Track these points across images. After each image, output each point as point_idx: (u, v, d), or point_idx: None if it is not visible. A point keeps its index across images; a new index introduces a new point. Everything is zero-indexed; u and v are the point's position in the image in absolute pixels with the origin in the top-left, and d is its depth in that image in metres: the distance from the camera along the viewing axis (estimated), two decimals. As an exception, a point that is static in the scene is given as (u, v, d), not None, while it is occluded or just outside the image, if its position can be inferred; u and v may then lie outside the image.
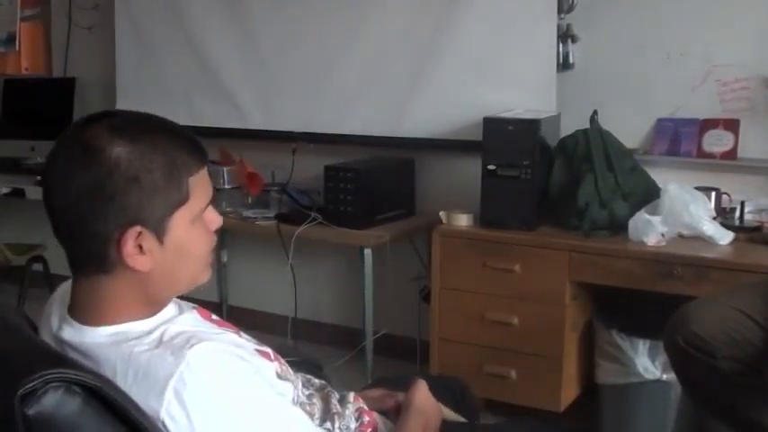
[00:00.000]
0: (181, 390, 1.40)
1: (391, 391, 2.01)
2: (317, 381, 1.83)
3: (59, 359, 1.41)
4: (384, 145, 4.29)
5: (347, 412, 1.81)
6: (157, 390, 1.40)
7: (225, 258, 4.98)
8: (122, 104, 4.77)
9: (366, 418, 1.84)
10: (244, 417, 1.45)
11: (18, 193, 4.58)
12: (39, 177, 4.56)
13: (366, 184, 3.95)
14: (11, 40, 5.42)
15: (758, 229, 3.45)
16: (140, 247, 1.46)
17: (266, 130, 4.58)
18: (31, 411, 1.29)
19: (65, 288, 1.63)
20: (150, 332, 1.50)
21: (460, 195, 3.94)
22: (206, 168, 1.55)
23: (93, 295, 1.51)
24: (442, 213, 3.78)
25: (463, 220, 3.72)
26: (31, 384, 1.29)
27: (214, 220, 1.59)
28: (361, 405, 1.87)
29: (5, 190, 4.62)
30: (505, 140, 3.58)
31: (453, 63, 4.07)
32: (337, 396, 1.84)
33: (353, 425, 1.80)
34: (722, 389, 2.67)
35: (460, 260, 3.66)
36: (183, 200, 1.49)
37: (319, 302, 4.66)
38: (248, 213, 4.22)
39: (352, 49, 4.34)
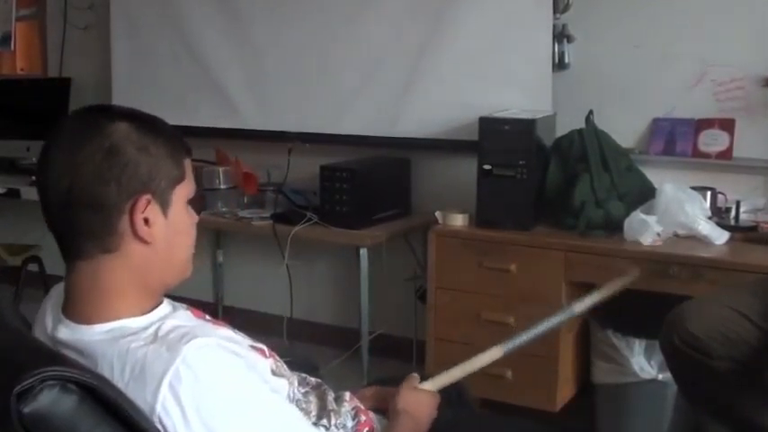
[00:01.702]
0: (176, 384, 1.40)
1: (387, 390, 2.02)
2: (312, 379, 1.84)
3: (55, 357, 1.41)
4: (380, 145, 4.29)
5: (343, 410, 1.81)
6: (153, 385, 1.41)
7: (221, 258, 4.97)
8: (118, 104, 4.75)
9: (363, 417, 1.84)
10: (238, 412, 1.46)
11: (13, 194, 4.57)
12: (33, 177, 4.56)
13: (362, 184, 3.95)
14: (6, 40, 5.43)
15: (753, 228, 3.45)
16: (146, 220, 1.49)
17: (262, 131, 4.58)
18: (26, 409, 1.30)
19: (59, 290, 1.63)
20: (146, 328, 1.50)
21: (456, 195, 3.94)
22: (190, 161, 1.60)
23: (91, 284, 1.51)
24: (437, 213, 3.77)
25: (459, 220, 3.72)
26: (27, 382, 1.29)
27: (195, 215, 1.63)
28: (358, 404, 1.88)
29: (1, 190, 4.61)
30: (501, 140, 3.58)
31: (449, 63, 4.07)
32: (333, 395, 1.84)
33: (350, 423, 1.80)
34: (718, 388, 2.67)
35: (456, 260, 3.65)
36: (181, 177, 1.55)
37: (315, 302, 4.66)
38: (244, 213, 4.22)
39: (348, 48, 4.34)
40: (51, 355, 1.43)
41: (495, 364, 3.55)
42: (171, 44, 4.81)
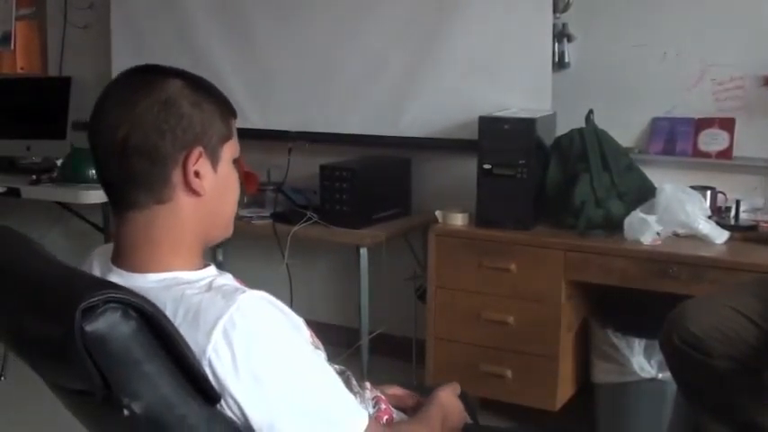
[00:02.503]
0: (230, 330, 1.44)
1: (409, 391, 2.08)
2: (336, 366, 1.85)
3: (118, 286, 1.45)
4: (380, 144, 4.29)
5: (366, 395, 1.86)
6: (206, 328, 1.44)
7: (220, 257, 4.97)
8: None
9: (383, 406, 1.87)
10: (285, 364, 1.49)
11: (14, 193, 4.56)
12: (34, 176, 4.56)
13: (362, 184, 3.95)
14: (6, 39, 5.42)
15: (753, 228, 3.45)
16: (197, 173, 1.54)
17: (262, 130, 4.57)
18: (89, 327, 1.34)
19: (102, 248, 1.69)
20: (199, 280, 1.55)
21: (456, 194, 3.94)
22: (235, 121, 1.67)
23: (144, 234, 1.55)
24: (437, 213, 3.78)
25: (459, 220, 3.72)
26: (94, 299, 1.35)
27: (239, 176, 1.69)
28: (379, 394, 1.91)
29: (1, 189, 4.61)
30: (501, 140, 3.58)
31: (449, 62, 4.07)
32: (355, 381, 1.87)
33: (371, 410, 1.83)
34: (718, 388, 2.68)
35: (456, 259, 3.66)
36: (229, 135, 1.63)
37: (315, 302, 4.66)
38: (244, 213, 4.21)
39: (349, 48, 4.34)
40: (114, 284, 1.47)
41: (495, 363, 3.58)
42: (171, 43, 4.81)
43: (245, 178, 4.27)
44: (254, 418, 1.45)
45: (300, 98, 4.50)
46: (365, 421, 1.57)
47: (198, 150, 1.53)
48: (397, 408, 1.96)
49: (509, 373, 3.59)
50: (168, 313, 1.46)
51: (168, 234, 1.56)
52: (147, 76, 1.56)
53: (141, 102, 1.50)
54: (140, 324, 1.39)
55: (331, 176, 3.96)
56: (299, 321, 1.67)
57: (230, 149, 1.63)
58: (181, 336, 1.43)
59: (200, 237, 1.61)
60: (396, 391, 2.06)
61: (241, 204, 4.28)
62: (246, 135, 5.02)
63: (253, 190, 4.30)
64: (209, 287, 1.53)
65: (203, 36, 4.72)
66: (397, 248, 4.19)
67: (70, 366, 1.37)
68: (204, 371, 1.44)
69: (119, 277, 1.55)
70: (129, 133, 1.49)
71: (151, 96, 1.51)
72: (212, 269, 1.63)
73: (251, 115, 4.59)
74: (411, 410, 1.99)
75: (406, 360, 4.23)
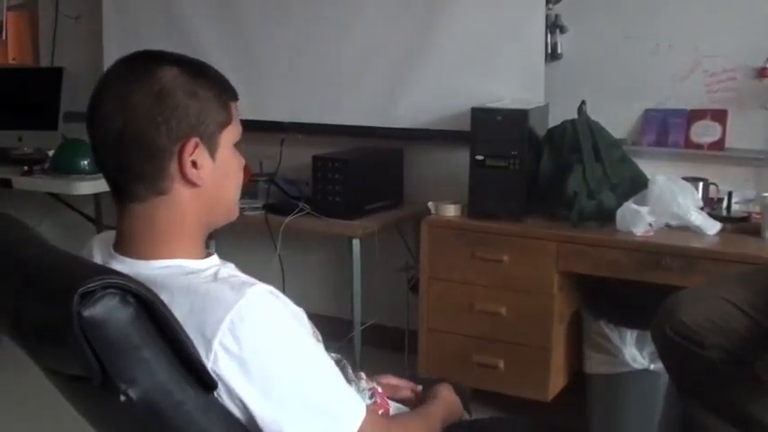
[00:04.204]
0: (237, 323, 1.44)
1: (404, 380, 2.08)
2: (333, 354, 1.85)
3: (117, 272, 1.46)
4: (372, 135, 4.29)
5: (362, 384, 1.87)
6: (214, 320, 1.44)
7: (212, 249, 4.95)
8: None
9: (378, 399, 1.87)
10: (292, 359, 1.50)
11: (5, 184, 4.55)
12: (26, 167, 4.55)
13: (354, 175, 3.95)
14: (-3, 29, 5.40)
15: (745, 219, 3.46)
16: (194, 163, 1.53)
17: (254, 120, 4.53)
18: (86, 312, 1.34)
19: (102, 236, 1.69)
20: (204, 270, 1.56)
21: (449, 185, 3.95)
22: (237, 103, 1.67)
23: (145, 225, 1.55)
24: (430, 204, 3.78)
25: (451, 211, 3.72)
26: (92, 284, 1.35)
27: (242, 158, 1.68)
28: (375, 386, 1.92)
29: (-8, 180, 4.59)
30: (494, 131, 3.58)
31: (442, 53, 4.07)
32: (351, 371, 1.88)
33: (368, 402, 1.82)
34: (709, 378, 2.68)
35: (449, 250, 3.66)
36: (228, 120, 1.61)
37: (307, 293, 4.65)
38: (236, 204, 4.21)
39: (341, 39, 4.34)
40: (112, 270, 1.47)
41: (488, 354, 3.59)
42: (163, 34, 4.79)
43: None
44: (258, 411, 1.46)
45: (293, 89, 4.49)
46: (363, 413, 1.57)
47: (194, 141, 1.52)
48: (393, 399, 1.96)
49: (501, 364, 3.59)
50: (176, 301, 1.46)
51: (170, 224, 1.56)
52: (143, 65, 1.54)
53: (135, 93, 1.49)
54: (138, 310, 1.40)
55: (323, 167, 3.95)
56: (302, 315, 1.68)
57: (230, 134, 1.62)
58: (179, 323, 1.43)
59: (202, 225, 1.61)
60: (390, 380, 2.07)
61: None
62: (239, 126, 4.95)
63: (245, 181, 4.29)
64: (215, 277, 1.53)
65: (195, 26, 4.70)
66: (390, 239, 4.19)
67: (67, 351, 1.37)
68: (202, 358, 1.43)
69: (121, 264, 1.55)
70: (124, 126, 1.48)
71: (145, 87, 1.49)
72: (215, 258, 1.64)
73: (243, 106, 4.55)
74: (409, 402, 1.99)
75: (398, 351, 4.23)
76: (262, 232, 4.10)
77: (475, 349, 3.63)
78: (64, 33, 5.35)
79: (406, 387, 2.06)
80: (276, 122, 4.46)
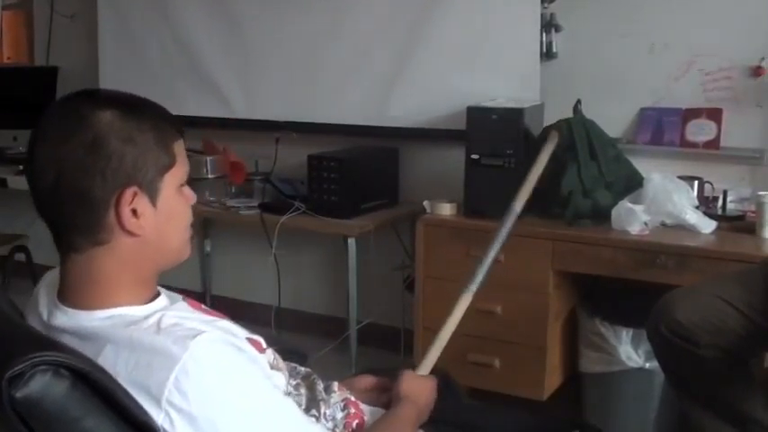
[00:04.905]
0: (182, 379, 1.40)
1: (380, 380, 2.02)
2: (302, 369, 1.83)
3: (48, 343, 1.41)
4: (368, 134, 4.29)
5: (332, 400, 1.81)
6: (159, 378, 1.40)
7: (208, 248, 4.97)
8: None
9: (352, 410, 1.83)
10: (243, 408, 1.46)
11: (0, 183, 4.55)
12: (20, 167, 4.54)
13: (350, 174, 3.95)
14: (-8, 29, 5.40)
15: (740, 218, 3.46)
16: (134, 211, 1.47)
17: (250, 120, 4.57)
18: (18, 394, 1.30)
19: (50, 277, 1.62)
20: (147, 317, 1.49)
21: (444, 184, 3.95)
22: (182, 141, 1.58)
23: (86, 275, 1.50)
24: (425, 202, 3.78)
25: (447, 210, 3.72)
26: (18, 367, 1.30)
27: (191, 195, 1.60)
28: (348, 396, 1.86)
29: (-13, 180, 4.59)
30: (489, 130, 3.58)
31: (437, 52, 4.07)
32: (322, 385, 1.83)
33: (339, 415, 1.79)
34: (704, 377, 2.68)
35: (444, 249, 3.66)
36: (170, 163, 1.52)
37: (303, 292, 4.66)
38: (231, 203, 4.22)
39: (337, 38, 4.33)
40: (44, 341, 1.43)
41: (483, 353, 3.58)
42: (158, 33, 4.80)
43: (233, 168, 4.27)
44: None
45: (288, 88, 4.49)
46: None
47: (131, 190, 1.45)
48: (369, 404, 1.93)
49: (497, 363, 3.59)
50: (120, 356, 1.43)
51: (110, 274, 1.50)
52: (77, 110, 1.46)
53: (68, 142, 1.43)
54: (74, 381, 1.36)
55: (319, 166, 3.95)
56: (254, 353, 1.61)
57: (174, 177, 1.53)
58: (120, 386, 1.40)
59: (145, 272, 1.54)
60: (366, 383, 2.01)
61: (229, 194, 4.29)
62: (234, 125, 5.03)
63: (240, 180, 4.30)
64: (158, 328, 1.47)
65: (190, 26, 4.70)
66: (385, 238, 4.20)
67: (9, 431, 1.34)
68: (147, 416, 1.40)
69: (64, 315, 1.51)
70: (58, 177, 1.43)
71: (77, 136, 1.43)
72: (162, 300, 1.58)
73: (238, 105, 4.59)
74: (385, 404, 1.94)
75: (394, 350, 4.23)
76: (257, 231, 4.11)
77: (470, 348, 3.63)
78: (59, 32, 5.35)
79: (385, 388, 2.00)
80: (271, 121, 4.46)
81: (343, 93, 4.35)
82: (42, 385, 1.32)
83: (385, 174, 4.24)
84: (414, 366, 2.10)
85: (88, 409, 1.37)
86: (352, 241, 3.92)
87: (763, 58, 3.55)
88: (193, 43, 4.68)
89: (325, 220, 3.93)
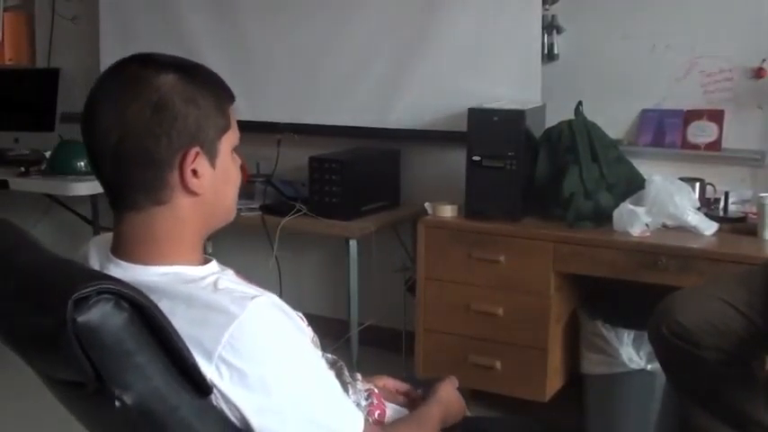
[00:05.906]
0: (238, 336, 1.43)
1: (398, 383, 2.06)
2: (329, 355, 1.85)
3: (111, 277, 1.44)
4: (369, 136, 4.29)
5: (358, 386, 1.85)
6: (214, 333, 1.43)
7: (209, 250, 4.94)
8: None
9: (375, 401, 1.85)
10: (292, 371, 1.49)
11: (2, 185, 4.55)
12: (22, 169, 4.54)
13: (351, 176, 3.94)
14: (-6, 30, 5.39)
15: (742, 219, 3.46)
16: (194, 171, 1.50)
17: (251, 122, 4.54)
18: (80, 318, 1.34)
19: (100, 239, 1.66)
20: (203, 278, 1.54)
21: (446, 186, 3.95)
22: (234, 106, 1.63)
23: (145, 233, 1.53)
24: (427, 204, 3.78)
25: (448, 211, 3.72)
26: (86, 290, 1.34)
27: (240, 160, 1.65)
28: (372, 387, 1.90)
29: (-11, 181, 4.58)
30: (490, 131, 3.58)
31: (439, 54, 4.07)
32: (348, 372, 1.87)
33: (363, 403, 1.82)
34: (706, 379, 2.68)
35: (445, 251, 3.66)
36: (227, 126, 1.58)
37: (304, 294, 4.65)
38: (233, 205, 4.21)
39: (338, 40, 4.33)
40: (106, 276, 1.46)
41: (484, 355, 3.59)
42: (159, 35, 4.79)
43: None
44: (257, 423, 1.45)
45: (290, 90, 4.49)
46: (362, 425, 1.58)
47: (194, 150, 1.49)
48: (389, 401, 1.95)
49: (498, 365, 3.59)
50: (178, 309, 1.45)
51: (169, 232, 1.53)
52: (138, 72, 1.49)
53: (132, 104, 1.45)
54: (132, 315, 1.39)
55: (320, 168, 3.95)
56: (303, 323, 1.66)
57: (229, 140, 1.59)
58: (174, 328, 1.42)
59: (201, 231, 1.59)
60: (386, 382, 2.04)
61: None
62: (236, 127, 4.95)
63: (242, 182, 4.28)
64: (215, 287, 1.51)
65: (192, 28, 4.70)
66: (387, 240, 4.19)
67: (62, 358, 1.37)
68: (197, 364, 1.42)
69: (119, 268, 1.53)
70: (122, 138, 1.45)
71: (142, 97, 1.45)
72: (214, 264, 1.62)
73: (240, 107, 4.50)
74: (405, 405, 1.97)
75: (395, 352, 4.23)
76: (258, 233, 4.10)
77: (472, 350, 3.63)
78: (60, 34, 5.35)
79: (401, 391, 2.04)
80: (273, 123, 4.45)
81: (344, 94, 4.34)
82: (103, 313, 1.36)
83: (386, 175, 4.24)
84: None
85: (142, 345, 1.40)
86: (353, 243, 3.92)
87: (764, 60, 3.55)
88: (195, 45, 4.67)
89: (326, 222, 3.93)
